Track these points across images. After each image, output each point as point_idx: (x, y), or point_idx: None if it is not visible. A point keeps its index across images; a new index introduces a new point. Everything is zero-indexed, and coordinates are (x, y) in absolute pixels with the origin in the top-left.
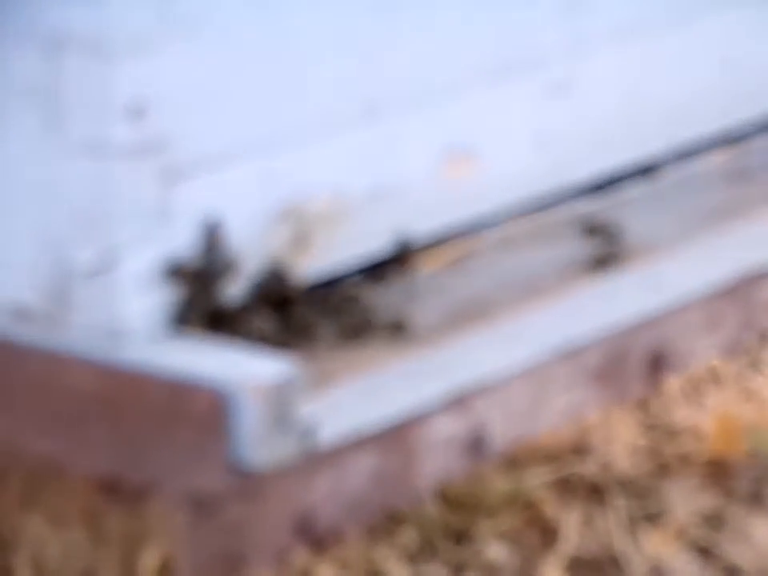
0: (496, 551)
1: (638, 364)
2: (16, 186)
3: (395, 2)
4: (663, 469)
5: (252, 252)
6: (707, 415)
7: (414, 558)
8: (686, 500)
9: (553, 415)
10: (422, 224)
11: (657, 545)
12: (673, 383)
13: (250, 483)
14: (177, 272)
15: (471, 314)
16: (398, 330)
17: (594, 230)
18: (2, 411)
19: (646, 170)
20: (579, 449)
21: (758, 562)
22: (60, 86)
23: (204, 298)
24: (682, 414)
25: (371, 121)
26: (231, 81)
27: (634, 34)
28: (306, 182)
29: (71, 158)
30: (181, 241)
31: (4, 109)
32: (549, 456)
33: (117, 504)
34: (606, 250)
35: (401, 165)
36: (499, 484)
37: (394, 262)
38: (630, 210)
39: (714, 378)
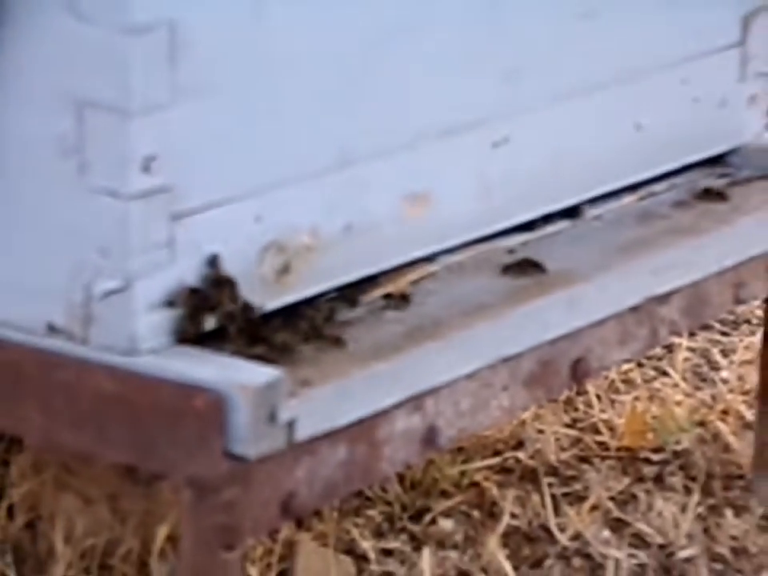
0: (447, 525)
1: (563, 370)
2: (49, 224)
3: (363, 69)
4: (584, 456)
5: (243, 279)
6: (620, 412)
7: (379, 531)
8: (602, 482)
9: (493, 412)
10: (386, 255)
11: (578, 518)
12: (592, 386)
13: (242, 469)
14: (180, 296)
15: (426, 329)
16: (337, 344)
17: (524, 263)
18: (40, 410)
19: (570, 211)
20: (515, 440)
21: (661, 532)
22: (86, 141)
23: (204, 316)
24: (600, 412)
25: (344, 168)
26: (227, 137)
27: (562, 99)
28: (289, 220)
29: (95, 200)
30: (184, 269)
31: (39, 159)
32: (490, 446)
33: (134, 487)
34: (535, 278)
35: (369, 205)
36: (450, 470)
37: (364, 287)
38: (557, 244)
39: (626, 381)
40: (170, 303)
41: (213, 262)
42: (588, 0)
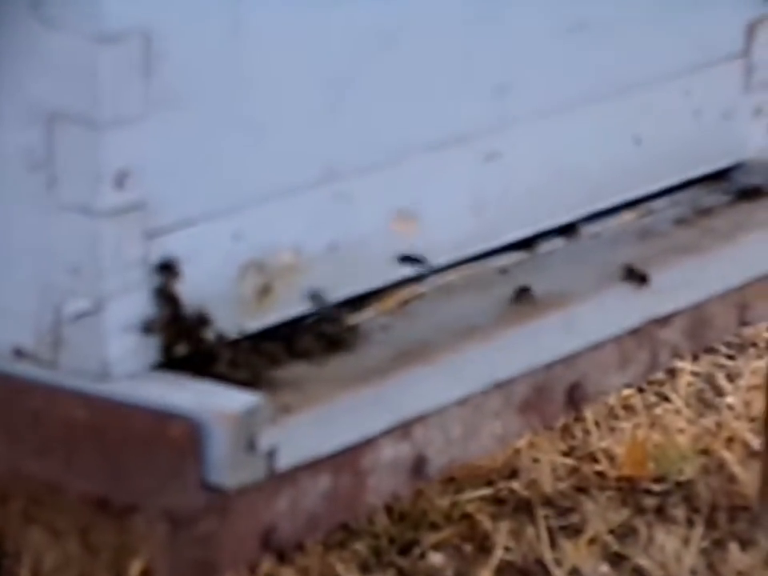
0: (437, 559)
1: (559, 396)
2: (16, 242)
3: (348, 81)
4: (582, 487)
5: (221, 299)
6: (620, 440)
7: (366, 565)
8: (601, 513)
9: (486, 440)
10: (373, 274)
11: (576, 552)
12: (590, 412)
13: (220, 501)
14: (154, 318)
15: (413, 352)
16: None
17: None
18: (5, 438)
19: (566, 229)
20: (509, 469)
21: (662, 566)
22: (54, 155)
23: (178, 340)
24: (598, 439)
25: (328, 184)
26: (203, 150)
27: (555, 113)
28: (270, 238)
29: (65, 217)
30: (160, 290)
31: (6, 173)
32: (483, 476)
33: (106, 519)
34: (527, 300)
35: (355, 222)
36: (440, 501)
37: (349, 306)
38: (552, 263)
39: (626, 407)
40: (142, 326)
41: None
42: (580, 12)
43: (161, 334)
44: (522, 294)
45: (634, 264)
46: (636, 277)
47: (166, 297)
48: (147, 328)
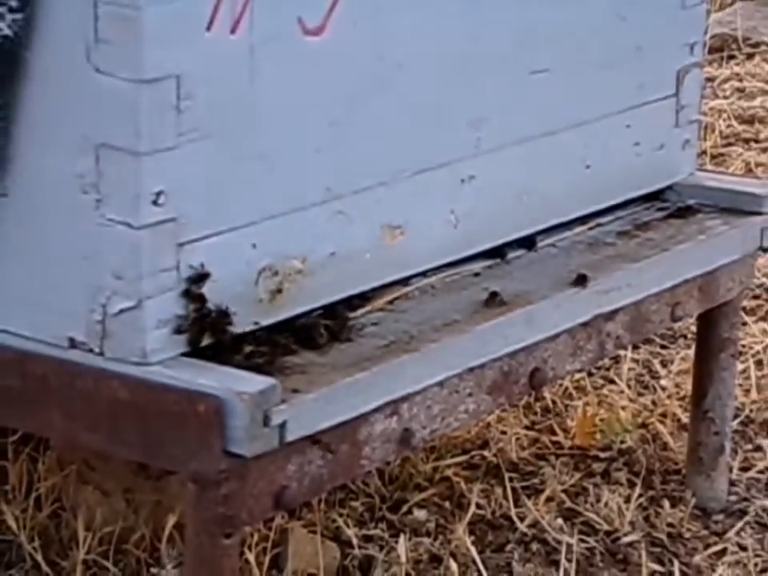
0: (421, 514)
1: (522, 379)
2: (69, 252)
3: (347, 118)
4: (541, 454)
5: (241, 298)
6: (573, 416)
7: (362, 520)
8: (557, 477)
9: (461, 416)
10: (367, 277)
11: (536, 509)
12: (548, 393)
13: (239, 466)
14: (185, 314)
15: (401, 343)
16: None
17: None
18: (62, 415)
19: (527, 240)
20: (481, 440)
21: (607, 520)
22: (101, 179)
23: (204, 332)
24: (555, 415)
25: (329, 203)
26: (225, 175)
27: (520, 143)
28: (282, 247)
29: (109, 231)
30: (189, 290)
31: (63, 195)
32: (459, 445)
33: (145, 482)
34: (497, 302)
35: (352, 235)
36: (423, 466)
37: (348, 304)
38: (516, 269)
39: (578, 388)
40: (175, 320)
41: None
42: (543, 57)
43: (190, 329)
44: (493, 298)
45: (582, 271)
46: (581, 280)
47: (193, 297)
48: (178, 329)
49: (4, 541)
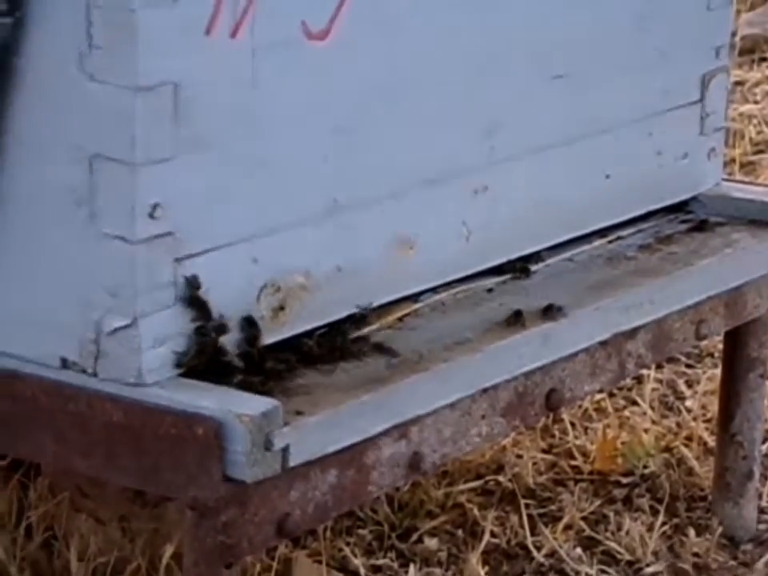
0: (432, 543)
1: (538, 400)
2: (62, 266)
3: (353, 124)
4: (559, 479)
5: (241, 315)
6: (592, 438)
7: (370, 549)
8: (576, 503)
9: (474, 439)
10: (376, 293)
11: (554, 537)
12: (566, 414)
13: (239, 492)
14: (182, 332)
15: (410, 362)
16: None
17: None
18: (54, 438)
19: (542, 254)
20: (495, 464)
21: (629, 550)
22: (95, 191)
23: (203, 352)
24: (574, 438)
25: (335, 215)
26: (225, 186)
27: (538, 151)
28: (285, 262)
29: (104, 245)
30: (186, 307)
31: (55, 208)
32: (472, 470)
33: (142, 509)
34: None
35: (358, 249)
36: (434, 492)
37: (354, 321)
38: (532, 284)
39: (599, 410)
40: (172, 339)
41: (207, 300)
42: (560, 62)
43: (189, 344)
44: (517, 317)
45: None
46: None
47: (194, 307)
48: (179, 363)
49: None
